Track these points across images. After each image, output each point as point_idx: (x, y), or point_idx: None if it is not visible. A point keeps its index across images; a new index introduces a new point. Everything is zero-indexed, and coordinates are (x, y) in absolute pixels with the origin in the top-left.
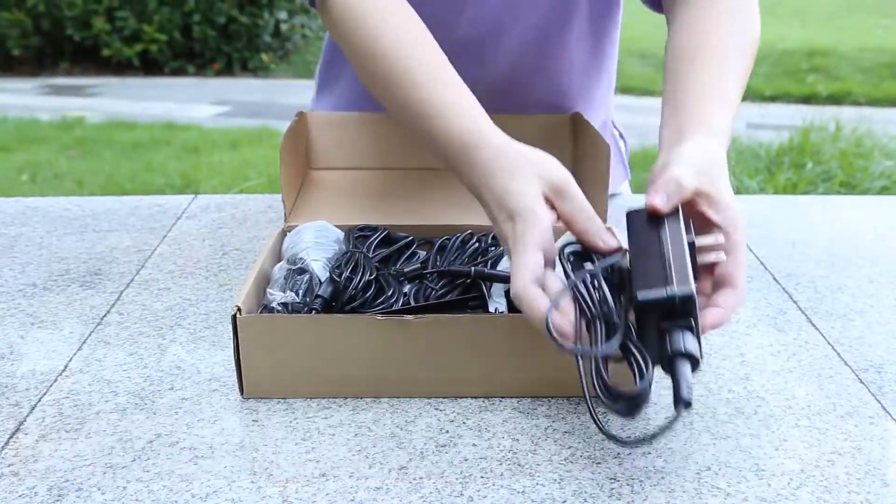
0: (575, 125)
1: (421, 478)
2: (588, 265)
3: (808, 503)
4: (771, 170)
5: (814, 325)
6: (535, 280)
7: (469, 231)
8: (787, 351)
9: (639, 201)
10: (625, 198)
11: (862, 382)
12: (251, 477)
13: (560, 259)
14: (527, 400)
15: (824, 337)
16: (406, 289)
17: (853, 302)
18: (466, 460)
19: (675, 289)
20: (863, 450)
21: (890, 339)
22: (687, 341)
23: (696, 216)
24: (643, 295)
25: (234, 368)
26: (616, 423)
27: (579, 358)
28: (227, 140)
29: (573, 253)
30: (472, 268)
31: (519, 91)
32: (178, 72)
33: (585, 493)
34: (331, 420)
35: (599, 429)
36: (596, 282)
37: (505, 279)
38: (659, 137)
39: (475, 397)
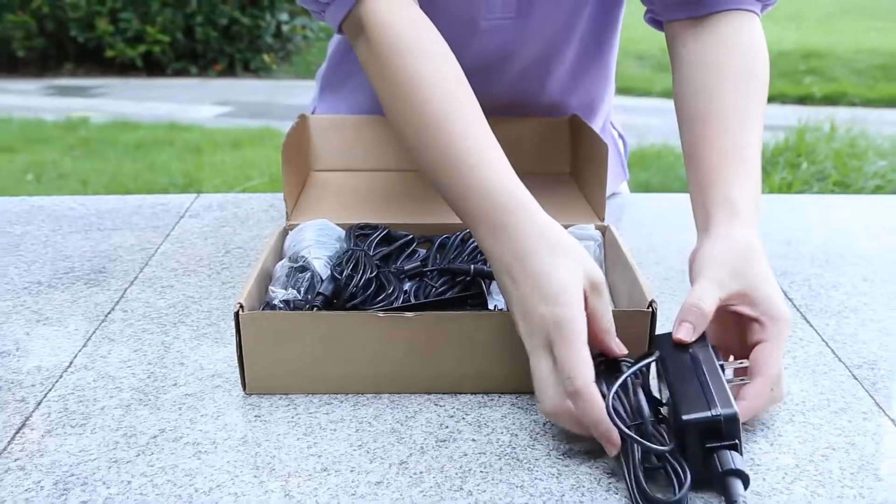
0: (573, 127)
1: (421, 472)
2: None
3: (803, 497)
4: (766, 169)
5: (808, 323)
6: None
7: (469, 230)
8: None
9: (636, 200)
10: (623, 197)
11: (856, 379)
12: (254, 471)
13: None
14: (525, 396)
15: (819, 334)
16: (406, 286)
17: (847, 299)
18: (466, 455)
19: (720, 409)
20: (856, 445)
21: (883, 336)
22: (735, 460)
23: (735, 316)
24: (688, 417)
25: (237, 365)
26: None
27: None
28: (230, 140)
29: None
30: (472, 266)
31: (519, 110)
32: (181, 73)
33: (583, 487)
34: (332, 416)
35: None
36: (631, 388)
37: None
38: (694, 217)
39: (474, 393)
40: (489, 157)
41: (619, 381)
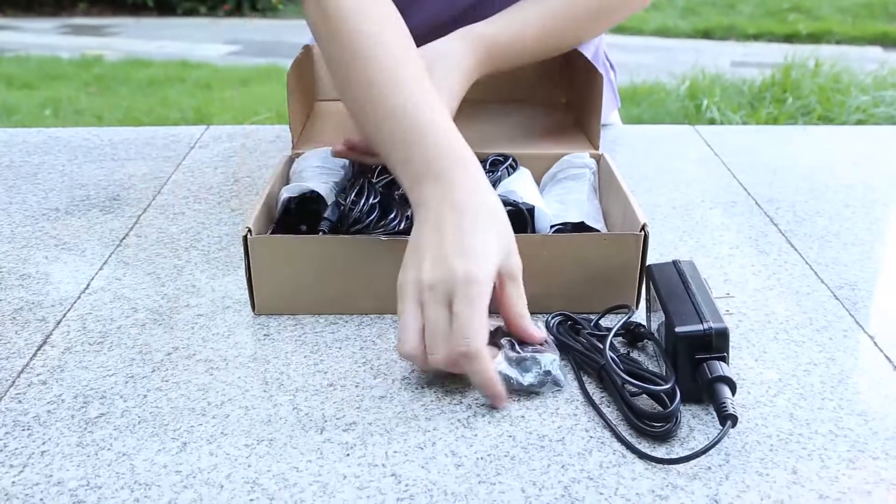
0: (567, 55)
1: (423, 387)
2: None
3: (785, 409)
4: (753, 105)
5: (793, 247)
6: None
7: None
8: (768, 270)
9: (628, 131)
10: (616, 128)
11: (837, 299)
12: (263, 386)
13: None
14: None
15: (803, 257)
16: (409, 212)
17: (830, 225)
18: None
19: (711, 324)
20: (836, 360)
21: (864, 259)
22: (724, 369)
23: None
24: (681, 329)
25: (246, 287)
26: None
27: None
28: (238, 77)
29: (559, 322)
30: None
31: None
32: (191, 12)
33: (577, 401)
34: (337, 335)
35: (639, 453)
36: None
37: (503, 203)
38: None
39: None
40: (435, 116)
41: (612, 334)
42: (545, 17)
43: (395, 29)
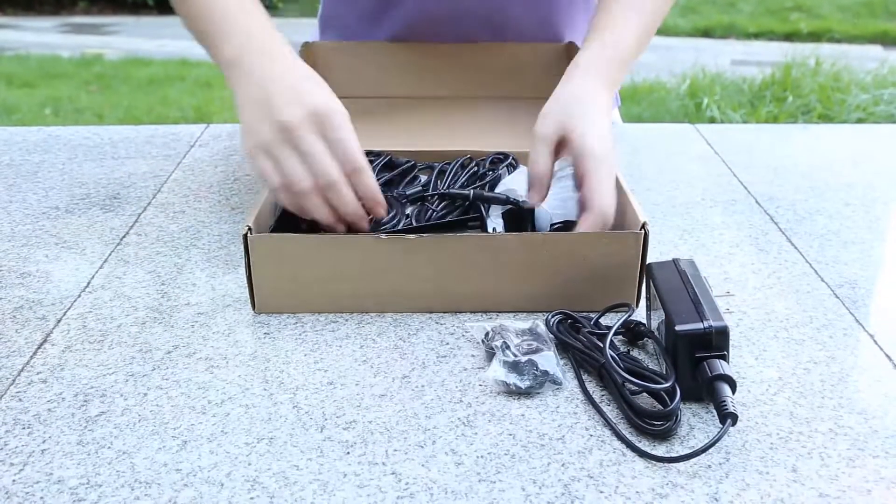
0: (570, 54)
1: (422, 386)
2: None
3: (785, 407)
4: (753, 103)
5: (793, 245)
6: None
7: (468, 156)
8: (768, 269)
9: (629, 130)
10: (617, 127)
11: (837, 297)
12: (263, 384)
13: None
14: (522, 314)
15: (803, 256)
16: (408, 211)
17: (830, 223)
18: (465, 370)
19: (711, 322)
20: (836, 358)
21: (864, 258)
22: (724, 367)
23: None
24: (682, 328)
25: (247, 285)
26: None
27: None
28: None
29: (559, 321)
30: (472, 190)
31: (501, 17)
32: None
33: (577, 399)
34: (338, 333)
35: (639, 452)
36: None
37: (503, 201)
38: None
39: (473, 311)
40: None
41: (612, 333)
42: (644, 20)
43: None
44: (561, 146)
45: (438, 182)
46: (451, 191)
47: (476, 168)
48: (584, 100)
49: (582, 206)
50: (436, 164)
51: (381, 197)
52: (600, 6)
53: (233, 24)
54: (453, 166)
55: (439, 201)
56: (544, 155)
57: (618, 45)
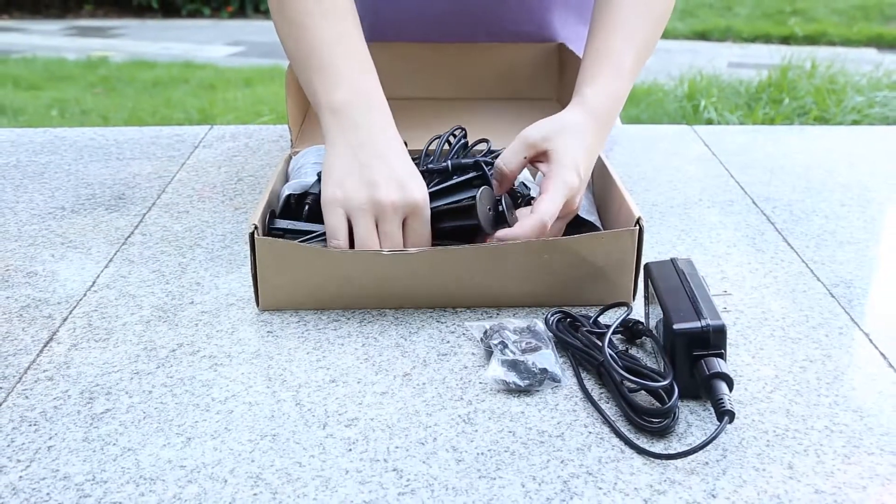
0: (561, 55)
1: (423, 383)
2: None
3: (781, 405)
4: (750, 105)
5: (789, 245)
6: None
7: (458, 126)
8: (765, 268)
9: (627, 131)
10: (615, 128)
11: (833, 297)
12: (266, 382)
13: (550, 327)
14: (521, 313)
15: (799, 255)
16: None
17: (826, 223)
18: (466, 368)
19: (709, 321)
20: (832, 357)
21: (859, 258)
22: (721, 365)
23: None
24: (679, 326)
25: (251, 283)
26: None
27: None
28: (241, 78)
29: (558, 320)
30: (449, 161)
31: (497, 16)
32: (195, 14)
33: (576, 397)
34: (339, 331)
35: (637, 449)
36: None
37: (521, 195)
38: None
39: (472, 308)
40: (352, 54)
41: (610, 331)
42: (638, 52)
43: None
44: (538, 159)
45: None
46: (430, 166)
47: (466, 141)
48: (579, 132)
49: (533, 209)
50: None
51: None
52: (594, 37)
53: (348, 72)
54: (444, 137)
55: (428, 179)
56: (518, 155)
57: (618, 89)
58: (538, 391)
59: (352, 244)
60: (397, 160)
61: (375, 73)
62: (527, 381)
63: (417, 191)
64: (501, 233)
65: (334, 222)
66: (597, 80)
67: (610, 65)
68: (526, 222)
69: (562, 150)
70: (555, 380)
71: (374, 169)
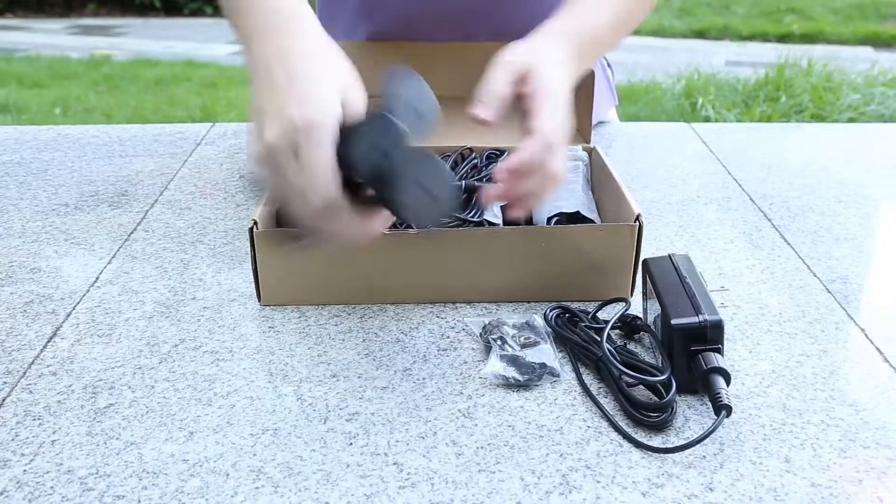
0: None
1: (424, 378)
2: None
3: (778, 400)
4: (747, 103)
5: (786, 241)
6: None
7: (468, 146)
8: (762, 264)
9: (625, 128)
10: (614, 126)
11: (829, 292)
12: (268, 377)
13: (549, 322)
14: (522, 307)
15: (795, 252)
16: None
17: (822, 220)
18: (466, 363)
19: (707, 316)
20: (828, 352)
21: (855, 254)
22: (718, 360)
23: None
24: (677, 322)
25: (252, 279)
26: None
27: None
28: (243, 76)
29: (557, 315)
30: (464, 181)
31: (506, 37)
32: (197, 13)
33: (575, 391)
34: (340, 327)
35: (635, 443)
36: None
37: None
38: None
39: (470, 302)
40: None
41: (609, 327)
42: (616, 7)
43: None
44: (521, 81)
45: None
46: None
47: (476, 160)
48: (550, 55)
49: (527, 131)
50: None
51: (362, 230)
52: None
53: (264, 7)
54: (452, 158)
55: None
56: (505, 76)
57: (590, 30)
58: (537, 386)
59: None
60: (294, 64)
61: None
62: (526, 377)
63: (301, 102)
64: (510, 162)
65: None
66: (563, 20)
67: (576, 14)
68: (529, 143)
69: (541, 71)
70: (554, 374)
71: (266, 96)
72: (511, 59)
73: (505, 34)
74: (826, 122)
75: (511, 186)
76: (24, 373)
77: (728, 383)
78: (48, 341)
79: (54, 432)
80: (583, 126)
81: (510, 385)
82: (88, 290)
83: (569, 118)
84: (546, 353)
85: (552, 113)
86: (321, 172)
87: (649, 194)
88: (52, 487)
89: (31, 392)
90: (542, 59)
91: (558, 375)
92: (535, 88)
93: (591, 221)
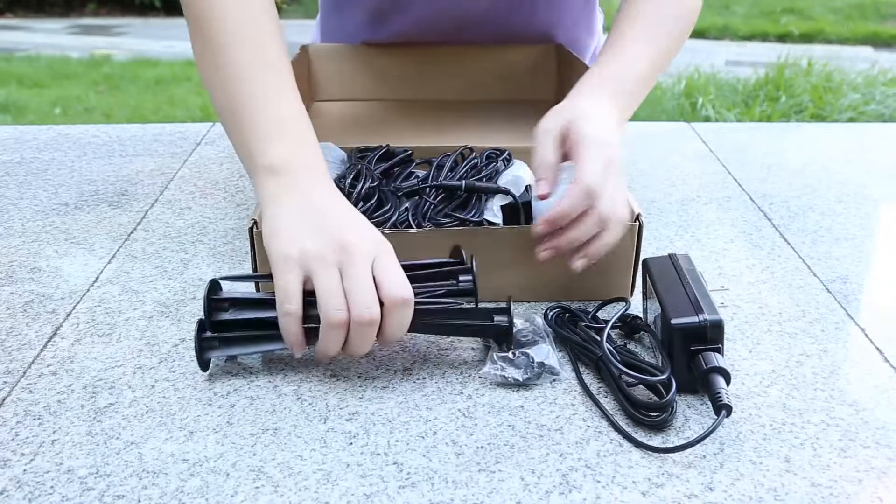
0: (559, 55)
1: (424, 378)
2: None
3: (778, 399)
4: (747, 103)
5: (786, 241)
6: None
7: (467, 146)
8: (762, 264)
9: (626, 128)
10: None
11: (829, 292)
12: (268, 377)
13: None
14: (522, 307)
15: (796, 251)
16: (406, 204)
17: (822, 220)
18: (466, 362)
19: (707, 316)
20: (828, 352)
21: (855, 253)
22: (718, 360)
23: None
24: (677, 321)
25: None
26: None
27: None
28: None
29: (557, 314)
30: (464, 181)
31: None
32: None
33: (575, 391)
34: None
35: (635, 442)
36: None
37: (494, 190)
38: None
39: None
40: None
41: (609, 326)
42: (655, 53)
43: (261, 18)
44: (564, 141)
45: (438, 175)
46: (445, 182)
47: (476, 160)
48: (589, 108)
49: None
50: (434, 159)
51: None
52: (612, 32)
53: (286, 127)
54: (452, 157)
55: (435, 194)
56: (549, 145)
57: (627, 73)
58: (537, 385)
59: (307, 318)
60: (349, 212)
61: (308, 119)
62: (525, 376)
63: (378, 234)
64: (549, 213)
65: (287, 282)
66: (601, 72)
67: (620, 53)
68: (571, 190)
69: (582, 124)
70: (553, 373)
71: (327, 221)
72: (551, 126)
73: (517, 37)
74: (826, 122)
75: (555, 236)
76: (24, 372)
77: (728, 383)
78: (48, 341)
79: (54, 432)
80: None
81: (509, 384)
82: (88, 290)
83: (617, 162)
84: (545, 352)
85: (592, 160)
86: (402, 286)
87: (649, 194)
88: (52, 487)
89: (31, 392)
90: (579, 114)
91: (558, 374)
92: (575, 140)
93: None
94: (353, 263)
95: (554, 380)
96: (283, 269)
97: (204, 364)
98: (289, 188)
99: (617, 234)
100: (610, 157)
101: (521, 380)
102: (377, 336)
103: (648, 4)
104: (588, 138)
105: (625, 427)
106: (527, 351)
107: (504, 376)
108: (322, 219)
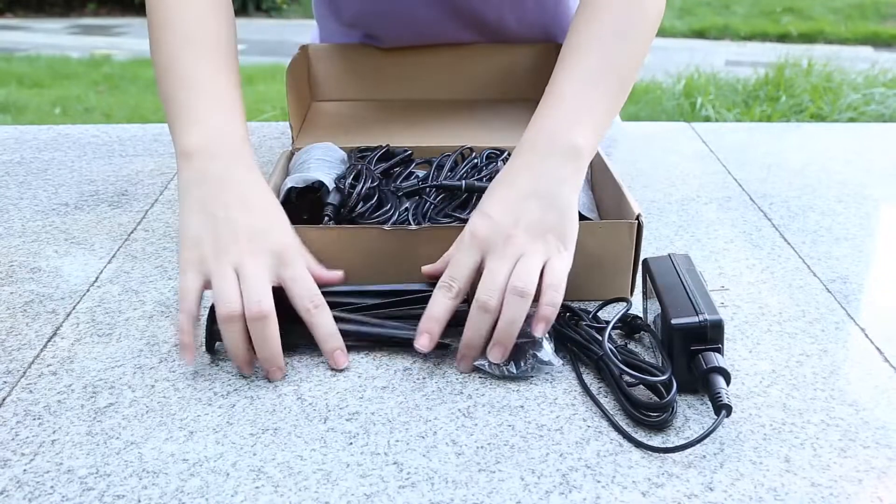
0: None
1: (424, 378)
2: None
3: (778, 399)
4: (747, 103)
5: (786, 241)
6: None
7: (467, 146)
8: (762, 264)
9: (625, 128)
10: (614, 125)
11: (829, 292)
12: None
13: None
14: None
15: (796, 251)
16: (406, 204)
17: (822, 219)
18: None
19: (707, 315)
20: (828, 352)
21: (855, 253)
22: (719, 360)
23: None
24: (677, 321)
25: None
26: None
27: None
28: (243, 76)
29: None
30: (464, 181)
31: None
32: None
33: (575, 391)
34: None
35: (636, 442)
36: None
37: None
38: None
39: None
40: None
41: (611, 325)
42: (617, 86)
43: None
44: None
45: (438, 175)
46: (444, 182)
47: (476, 160)
48: (505, 179)
49: None
50: (433, 159)
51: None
52: (560, 63)
53: (206, 113)
54: (452, 157)
55: (435, 194)
56: (445, 298)
57: (579, 114)
58: (535, 384)
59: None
60: (257, 208)
61: (239, 110)
62: (522, 369)
63: (284, 236)
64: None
65: (186, 285)
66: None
67: (550, 97)
68: (471, 311)
69: (495, 266)
70: (549, 363)
71: (230, 221)
72: (463, 262)
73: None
74: (826, 121)
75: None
76: (24, 372)
77: (728, 383)
78: (48, 341)
79: (54, 432)
80: None
81: (504, 377)
82: (88, 290)
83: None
84: (536, 346)
85: (489, 272)
86: (309, 289)
87: (649, 194)
88: (52, 487)
89: (31, 392)
90: (501, 246)
91: (553, 364)
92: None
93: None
94: (245, 264)
95: (554, 380)
96: (183, 270)
97: (211, 347)
98: (202, 175)
99: (554, 298)
100: (484, 236)
101: (516, 372)
102: (323, 344)
103: (604, 15)
104: (468, 238)
105: (625, 427)
106: (520, 344)
107: (497, 365)
108: (225, 217)
